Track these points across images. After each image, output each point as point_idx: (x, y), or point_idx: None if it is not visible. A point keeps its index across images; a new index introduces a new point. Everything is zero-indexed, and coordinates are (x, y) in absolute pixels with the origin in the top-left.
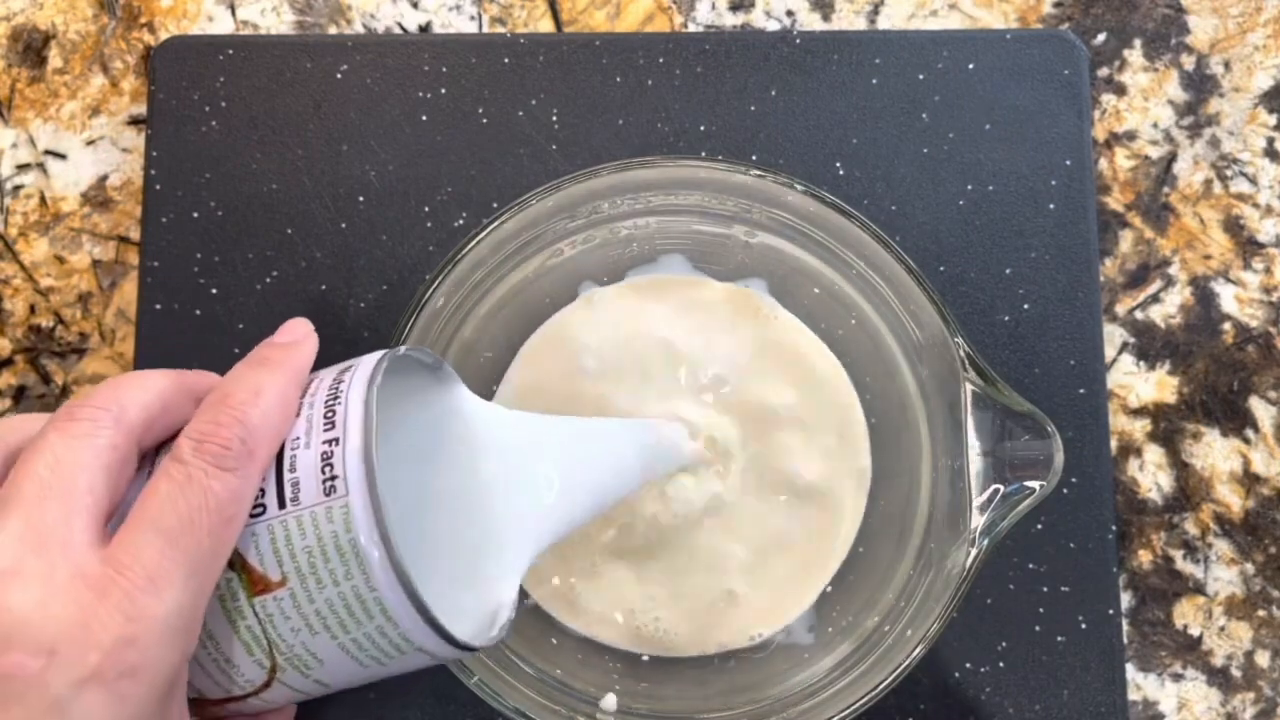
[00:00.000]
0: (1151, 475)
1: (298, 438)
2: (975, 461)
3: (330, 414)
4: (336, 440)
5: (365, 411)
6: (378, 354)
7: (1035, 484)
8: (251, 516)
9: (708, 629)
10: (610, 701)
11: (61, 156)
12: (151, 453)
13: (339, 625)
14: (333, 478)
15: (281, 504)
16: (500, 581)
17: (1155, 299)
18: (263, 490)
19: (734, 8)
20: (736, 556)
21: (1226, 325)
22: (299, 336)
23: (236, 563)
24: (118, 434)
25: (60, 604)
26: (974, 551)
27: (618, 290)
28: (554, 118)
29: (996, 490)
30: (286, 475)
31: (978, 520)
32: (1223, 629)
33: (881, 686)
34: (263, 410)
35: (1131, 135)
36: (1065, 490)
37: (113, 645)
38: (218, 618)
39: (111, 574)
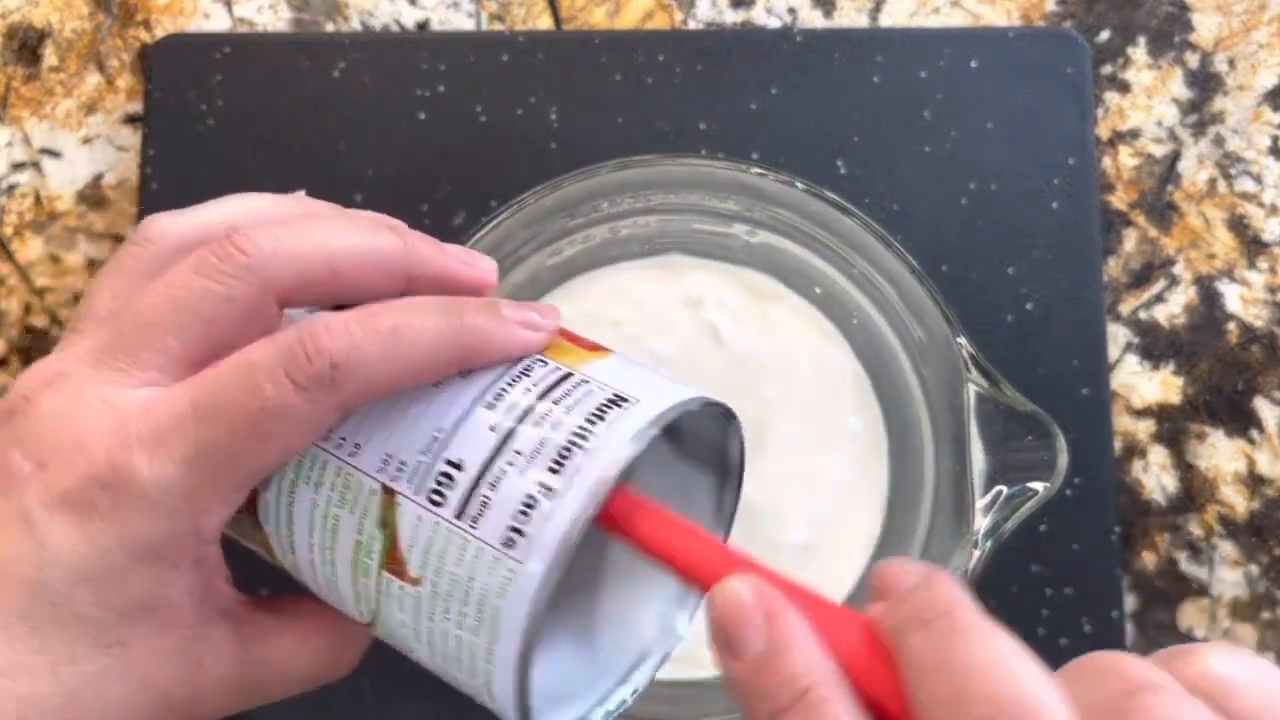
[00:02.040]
0: (1156, 476)
1: (519, 451)
2: (978, 462)
3: (566, 454)
4: (551, 492)
5: (590, 499)
6: (664, 406)
7: (1039, 485)
8: (430, 501)
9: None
10: None
11: (57, 155)
12: None
13: (442, 656)
14: (521, 534)
15: (460, 512)
16: (601, 686)
17: (1159, 299)
18: (457, 470)
19: (735, 4)
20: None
21: (1231, 325)
22: (541, 322)
23: (389, 526)
24: (251, 287)
25: (74, 418)
26: (977, 553)
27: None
28: (553, 116)
29: (1000, 492)
30: (483, 483)
31: (981, 522)
32: (1227, 631)
33: None
34: (389, 353)
35: (1135, 133)
36: (1069, 492)
37: (90, 483)
38: (345, 557)
39: (130, 417)
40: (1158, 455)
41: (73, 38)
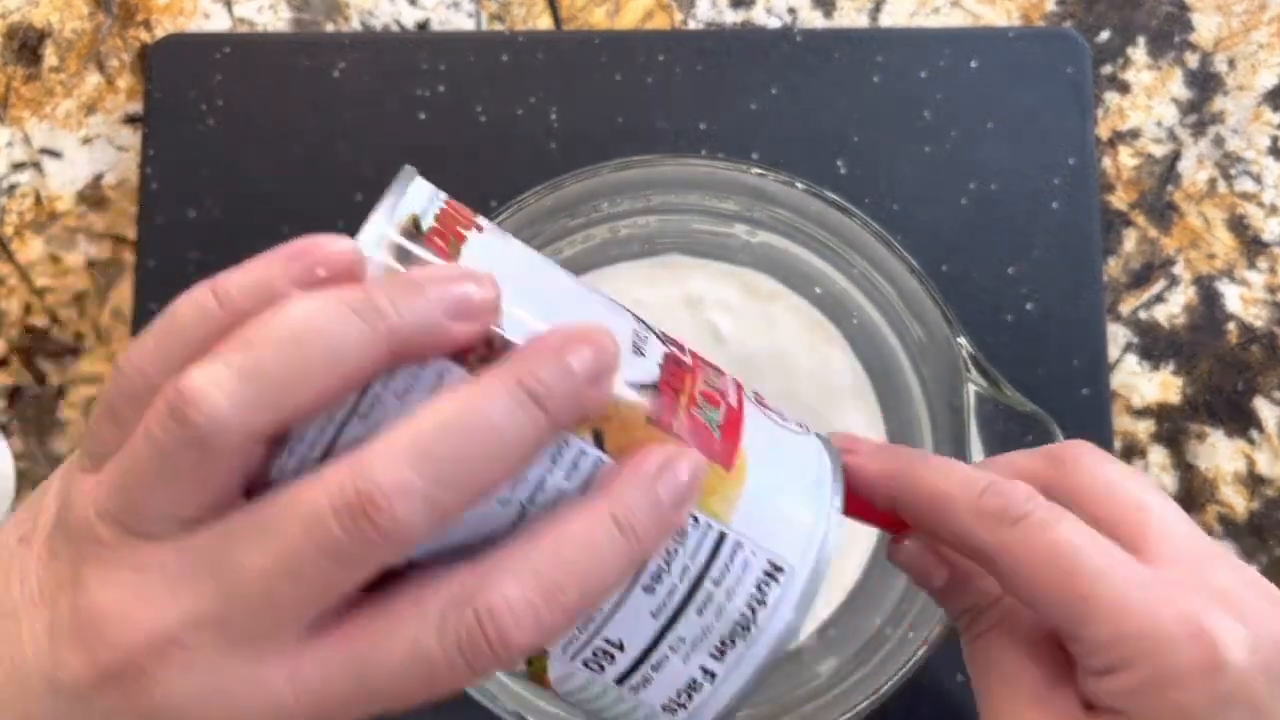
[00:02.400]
0: (1156, 476)
1: (683, 638)
2: (978, 461)
3: (730, 643)
4: (714, 678)
5: (752, 680)
6: (812, 563)
7: None
8: (587, 666)
9: None
10: None
11: (57, 155)
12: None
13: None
14: (684, 707)
15: (621, 681)
16: None
17: (1159, 299)
18: (617, 650)
19: (734, 4)
20: None
21: (1231, 325)
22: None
23: (535, 665)
24: (391, 556)
25: (220, 707)
26: None
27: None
28: (553, 116)
29: None
30: (646, 664)
31: None
32: None
33: (883, 690)
34: (572, 623)
35: (1135, 133)
36: None
37: None
38: None
39: (288, 698)
40: (1157, 455)
41: (73, 38)
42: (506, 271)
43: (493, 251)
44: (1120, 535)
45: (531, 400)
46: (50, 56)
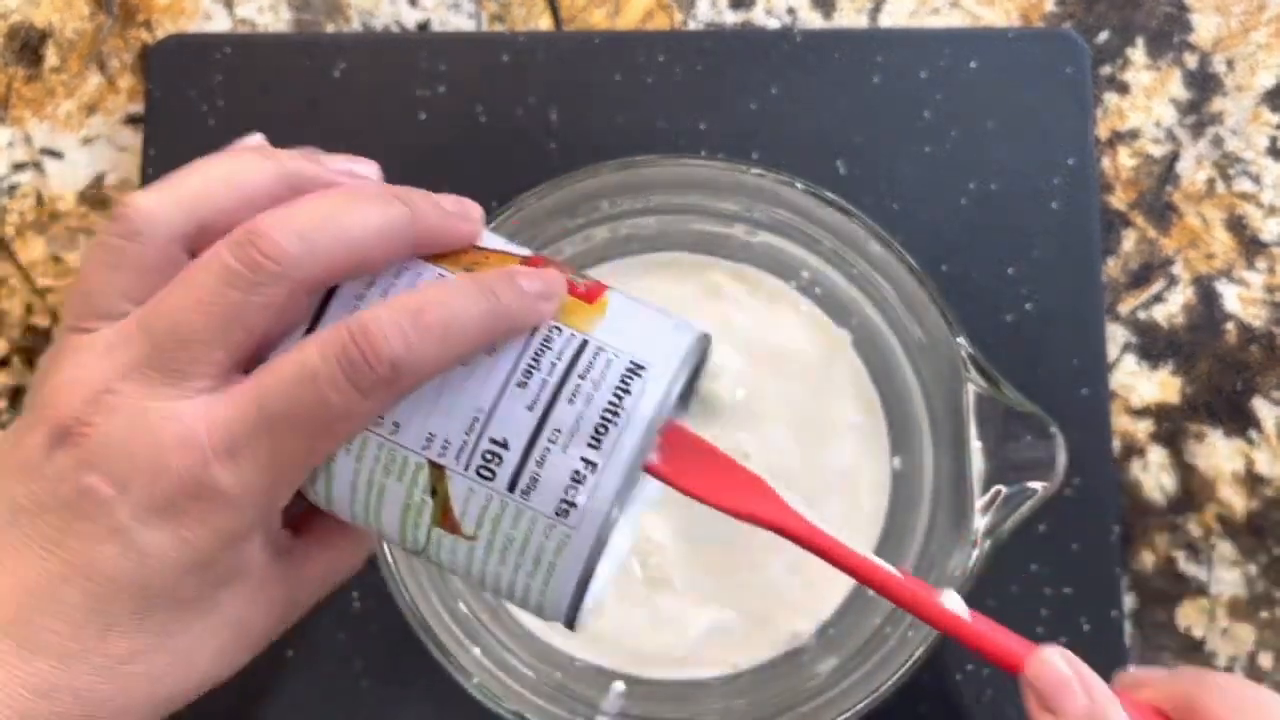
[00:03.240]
0: (1155, 476)
1: (559, 429)
2: (977, 462)
3: (603, 430)
4: (594, 467)
5: (630, 465)
6: (674, 368)
7: (1038, 485)
8: (480, 475)
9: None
10: (620, 686)
11: (58, 155)
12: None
13: (492, 587)
14: (572, 505)
15: (512, 487)
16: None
17: (1158, 299)
18: (502, 449)
19: (734, 5)
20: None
21: (1230, 325)
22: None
23: (441, 494)
24: (283, 290)
25: (142, 441)
26: (976, 553)
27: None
28: (553, 116)
29: (999, 491)
30: (530, 461)
31: (980, 521)
32: (1226, 631)
33: (883, 688)
34: (442, 348)
35: (1134, 134)
36: (1068, 491)
37: (177, 495)
38: (393, 515)
39: (200, 431)
40: (1157, 455)
41: (74, 38)
42: None
43: None
44: None
45: (395, 199)
46: (51, 57)
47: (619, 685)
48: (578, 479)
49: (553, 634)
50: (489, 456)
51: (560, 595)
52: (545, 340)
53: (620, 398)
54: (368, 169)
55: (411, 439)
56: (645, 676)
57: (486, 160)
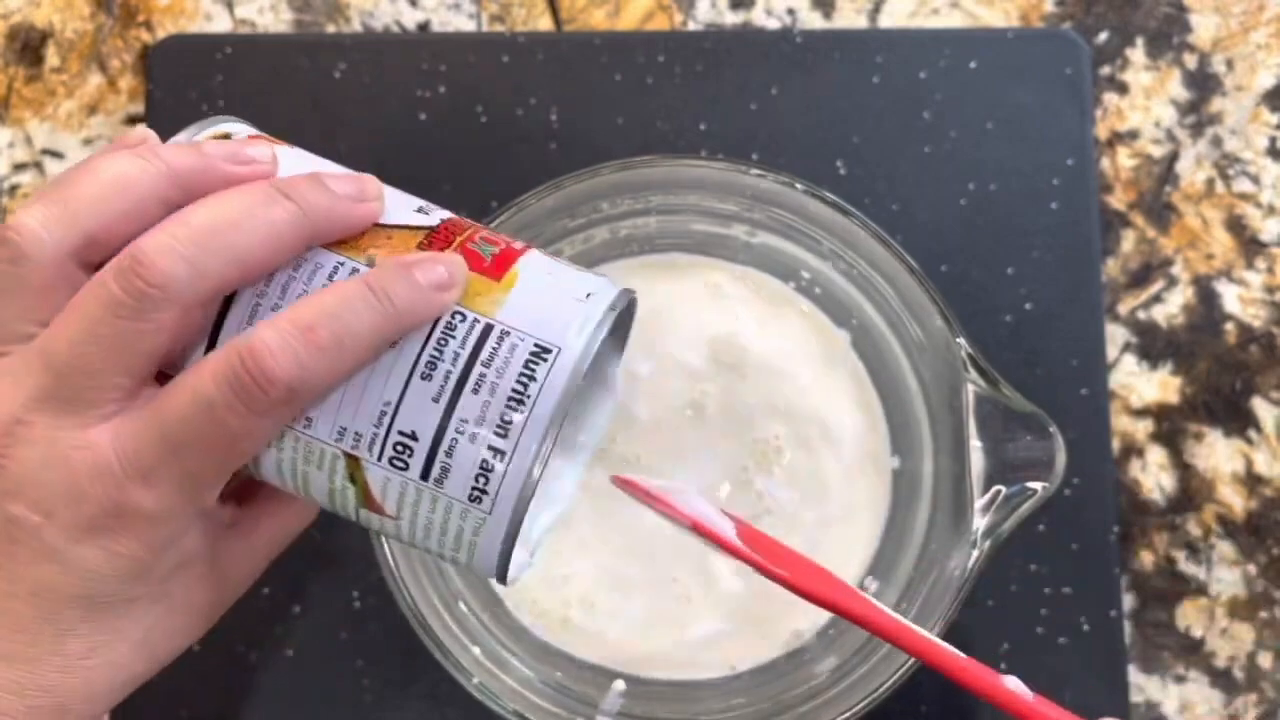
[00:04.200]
0: (1154, 476)
1: (465, 419)
2: (977, 462)
3: (508, 420)
4: (502, 455)
5: (538, 450)
6: (581, 346)
7: (1037, 485)
8: (393, 465)
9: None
10: (620, 685)
11: (59, 155)
12: None
13: (428, 551)
14: (484, 492)
15: (424, 475)
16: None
17: (1157, 299)
18: (412, 440)
19: (734, 6)
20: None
21: (1229, 325)
22: (443, 278)
23: (359, 482)
24: (173, 313)
25: (58, 472)
26: (976, 553)
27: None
28: (553, 116)
29: (998, 491)
30: (440, 452)
31: (980, 521)
32: (1225, 630)
33: (883, 688)
34: (336, 362)
35: (1134, 134)
36: (1067, 491)
37: (100, 517)
38: (321, 495)
39: (111, 458)
40: (1156, 455)
41: (74, 39)
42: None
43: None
44: None
45: (284, 196)
46: (52, 57)
47: (619, 685)
48: (486, 468)
49: (554, 634)
50: (400, 448)
51: (486, 565)
52: (448, 328)
53: (525, 385)
54: (259, 150)
55: (325, 433)
56: (645, 676)
57: (486, 160)
